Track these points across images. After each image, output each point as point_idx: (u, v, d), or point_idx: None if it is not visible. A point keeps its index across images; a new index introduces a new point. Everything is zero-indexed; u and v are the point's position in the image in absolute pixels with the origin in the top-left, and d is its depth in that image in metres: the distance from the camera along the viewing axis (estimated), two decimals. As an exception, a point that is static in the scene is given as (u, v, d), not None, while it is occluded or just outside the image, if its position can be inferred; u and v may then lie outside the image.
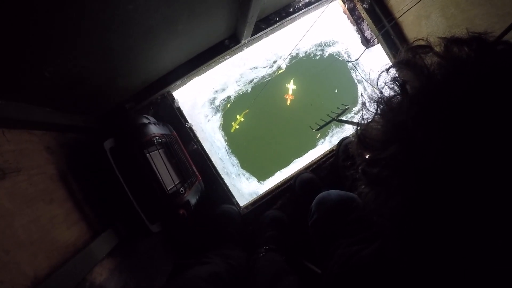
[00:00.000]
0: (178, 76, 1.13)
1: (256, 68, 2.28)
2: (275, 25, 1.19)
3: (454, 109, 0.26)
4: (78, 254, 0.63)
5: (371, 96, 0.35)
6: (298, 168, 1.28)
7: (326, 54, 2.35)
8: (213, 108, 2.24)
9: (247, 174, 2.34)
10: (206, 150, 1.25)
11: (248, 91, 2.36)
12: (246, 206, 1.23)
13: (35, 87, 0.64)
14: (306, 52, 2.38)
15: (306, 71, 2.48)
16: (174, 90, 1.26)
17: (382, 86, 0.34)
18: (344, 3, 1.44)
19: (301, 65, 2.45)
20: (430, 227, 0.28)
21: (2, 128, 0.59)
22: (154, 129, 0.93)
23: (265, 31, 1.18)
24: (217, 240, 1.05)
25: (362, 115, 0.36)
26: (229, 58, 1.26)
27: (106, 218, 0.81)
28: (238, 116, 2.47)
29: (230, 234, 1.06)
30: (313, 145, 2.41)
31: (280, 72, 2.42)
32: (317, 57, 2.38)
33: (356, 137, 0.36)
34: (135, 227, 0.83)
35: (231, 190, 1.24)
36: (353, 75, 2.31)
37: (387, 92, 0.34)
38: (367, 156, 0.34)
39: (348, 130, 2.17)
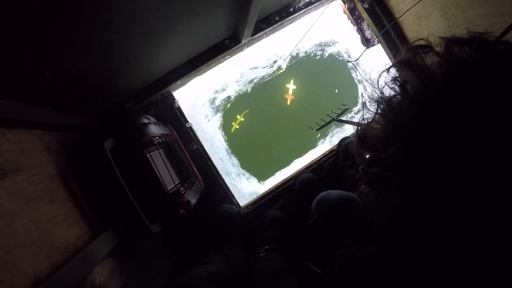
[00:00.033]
0: (178, 76, 1.13)
1: (256, 68, 2.27)
2: (275, 25, 1.19)
3: (454, 109, 0.26)
4: (78, 254, 0.63)
5: (371, 96, 0.35)
6: (298, 168, 1.28)
7: (326, 54, 2.35)
8: (213, 108, 2.24)
9: (247, 174, 2.34)
10: (206, 150, 1.25)
11: (248, 91, 2.35)
12: (246, 206, 1.23)
13: (35, 87, 0.64)
14: (306, 52, 2.38)
15: (306, 71, 2.48)
16: (174, 90, 1.26)
17: (382, 86, 0.34)
18: (344, 3, 1.43)
19: (301, 65, 2.44)
20: (431, 227, 0.28)
21: (2, 128, 0.60)
22: (154, 129, 0.93)
23: (265, 31, 1.18)
24: (217, 240, 1.05)
25: (362, 115, 0.36)
26: (229, 58, 1.26)
27: (106, 218, 0.81)
28: (238, 116, 2.47)
29: (230, 234, 1.06)
30: (313, 145, 2.41)
31: (280, 72, 2.42)
32: (317, 57, 2.38)
33: (356, 137, 0.36)
34: (135, 227, 0.83)
35: (231, 190, 1.24)
36: (353, 75, 2.31)
37: (388, 92, 0.34)
38: (367, 156, 0.34)
39: (348, 130, 2.17)
